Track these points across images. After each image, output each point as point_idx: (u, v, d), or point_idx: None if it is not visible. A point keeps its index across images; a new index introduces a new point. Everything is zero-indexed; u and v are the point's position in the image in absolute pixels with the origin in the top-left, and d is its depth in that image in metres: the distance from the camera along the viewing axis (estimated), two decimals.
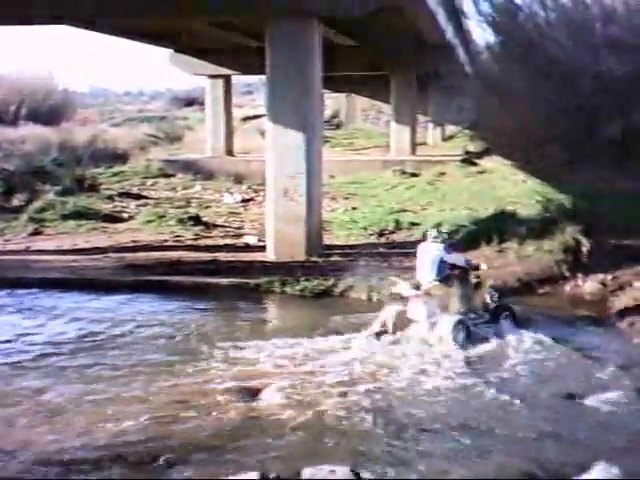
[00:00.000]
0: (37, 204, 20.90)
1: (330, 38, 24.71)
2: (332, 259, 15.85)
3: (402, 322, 11.02)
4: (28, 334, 11.49)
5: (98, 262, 15.89)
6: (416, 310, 11.04)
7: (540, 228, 15.81)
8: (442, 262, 11.07)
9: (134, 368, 9.95)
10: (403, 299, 11.22)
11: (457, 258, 11.32)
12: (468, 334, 10.79)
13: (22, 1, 16.14)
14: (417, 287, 11.07)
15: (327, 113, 49.80)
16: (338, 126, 51.92)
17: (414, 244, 17.07)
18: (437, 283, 11.08)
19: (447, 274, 11.15)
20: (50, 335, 11.45)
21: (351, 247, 17.14)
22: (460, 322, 10.82)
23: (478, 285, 11.64)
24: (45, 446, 7.72)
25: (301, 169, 15.89)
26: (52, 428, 8.13)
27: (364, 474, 6.94)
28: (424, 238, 11.67)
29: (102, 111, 52.03)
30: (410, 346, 10.63)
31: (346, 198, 24.64)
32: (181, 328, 11.79)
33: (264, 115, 18.48)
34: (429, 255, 11.12)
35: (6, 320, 12.35)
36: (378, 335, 10.91)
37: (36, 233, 18.84)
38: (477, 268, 11.48)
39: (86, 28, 21.71)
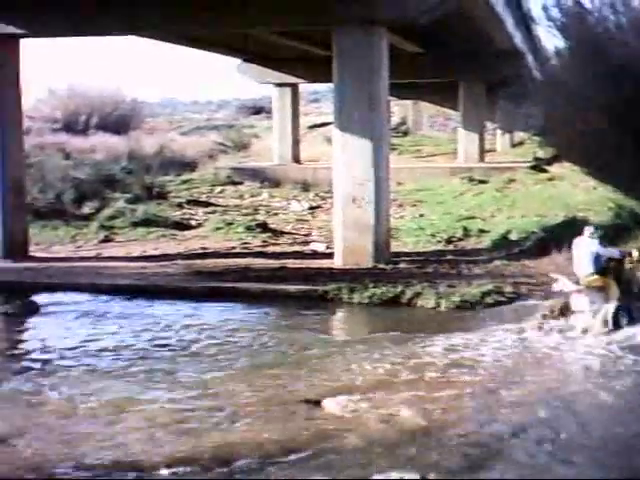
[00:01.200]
0: (107, 212, 21.23)
1: (396, 45, 24.63)
2: (400, 266, 15.77)
3: (566, 313, 11.74)
4: (99, 339, 11.62)
5: (167, 269, 16.05)
6: (579, 302, 11.75)
7: (612, 235, 15.54)
8: (598, 256, 11.66)
9: (223, 374, 9.90)
10: (564, 294, 11.89)
11: (612, 251, 11.97)
12: (631, 318, 11.40)
13: (94, 12, 16.41)
14: (577, 282, 11.77)
15: (394, 120, 49.64)
16: (405, 133, 51.74)
17: (481, 251, 17.14)
18: (596, 276, 11.66)
19: (604, 266, 11.73)
20: (123, 341, 11.54)
21: (419, 254, 17.06)
22: (622, 308, 11.46)
23: (632, 271, 12.06)
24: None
25: (369, 176, 15.88)
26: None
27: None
28: (580, 234, 12.07)
29: (171, 120, 52.62)
30: (579, 335, 11.23)
31: (414, 205, 24.54)
32: (258, 334, 11.79)
33: (331, 123, 18.49)
34: (586, 251, 11.74)
35: (76, 325, 12.56)
36: (540, 327, 11.52)
37: (106, 240, 19.12)
38: (630, 255, 11.97)
39: (155, 39, 21.97)
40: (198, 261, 16.61)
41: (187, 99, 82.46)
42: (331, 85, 16.74)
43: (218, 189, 28.16)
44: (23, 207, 17.64)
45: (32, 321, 12.93)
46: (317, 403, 8.85)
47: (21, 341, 12.19)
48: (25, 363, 10.59)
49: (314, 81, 34.30)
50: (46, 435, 8.05)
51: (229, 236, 19.34)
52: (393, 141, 29.80)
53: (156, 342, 11.41)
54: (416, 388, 9.21)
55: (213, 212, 23.14)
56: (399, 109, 54.49)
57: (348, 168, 15.96)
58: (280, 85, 33.13)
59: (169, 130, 44.90)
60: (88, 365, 10.36)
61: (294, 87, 33.51)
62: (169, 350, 11.06)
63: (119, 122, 41.49)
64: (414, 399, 8.86)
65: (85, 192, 22.57)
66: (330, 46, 16.31)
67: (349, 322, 13.25)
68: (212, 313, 13.21)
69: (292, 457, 7.44)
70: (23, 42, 17.46)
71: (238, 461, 7.35)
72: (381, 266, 15.67)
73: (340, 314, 13.47)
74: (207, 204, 24.64)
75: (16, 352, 11.34)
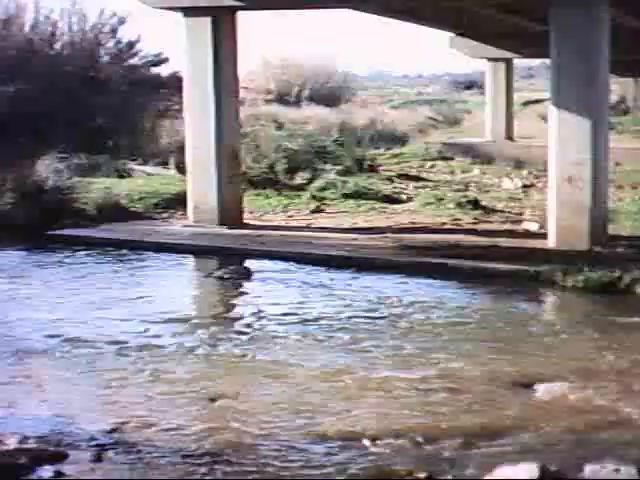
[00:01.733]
0: (318, 183, 21.43)
1: (618, 20, 23.47)
2: (617, 250, 15.04)
3: None
4: (308, 308, 11.71)
5: (376, 242, 16.01)
6: None
7: None
8: None
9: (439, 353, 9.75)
10: None
11: None
12: None
13: None
14: None
15: (613, 98, 47.61)
16: (625, 112, 49.59)
17: None
18: None
19: None
20: (335, 311, 11.58)
21: (638, 238, 16.22)
22: None
23: None
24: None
25: (585, 156, 15.20)
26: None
27: None
28: None
29: (381, 94, 52.72)
30: None
31: (634, 187, 23.40)
32: (469, 312, 11.57)
33: (545, 99, 17.86)
34: None
35: (286, 292, 12.75)
36: None
37: (317, 211, 19.29)
38: None
39: (368, 12, 21.85)
40: (407, 235, 16.46)
41: (397, 73, 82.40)
42: (546, 61, 16.17)
43: (428, 164, 27.92)
44: (238, 176, 18.04)
45: (245, 286, 13.25)
46: (528, 386, 8.59)
47: (234, 305, 12.53)
48: (238, 327, 10.84)
49: (529, 56, 33.37)
50: (261, 400, 8.17)
51: (439, 212, 19.07)
52: (612, 120, 28.53)
53: (366, 314, 11.38)
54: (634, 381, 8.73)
55: (423, 187, 22.93)
56: (619, 87, 52.24)
57: (564, 146, 15.34)
58: (494, 60, 32.41)
59: (380, 103, 44.98)
60: (298, 332, 10.49)
61: (508, 62, 32.71)
62: (379, 323, 11.01)
63: (331, 94, 41.95)
64: (632, 393, 8.40)
65: (297, 163, 22.88)
66: (546, 20, 15.69)
67: (563, 306, 12.78)
68: (422, 288, 13.07)
69: (499, 441, 7.24)
70: (240, 14, 17.77)
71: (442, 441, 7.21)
72: (597, 249, 14.97)
73: (553, 297, 13.00)
74: (417, 178, 24.47)
75: (230, 316, 11.66)
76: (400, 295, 12.44)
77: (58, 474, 6.55)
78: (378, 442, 7.18)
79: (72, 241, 15.92)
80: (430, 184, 23.57)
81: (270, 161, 22.12)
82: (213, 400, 8.18)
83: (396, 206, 19.93)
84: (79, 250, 15.28)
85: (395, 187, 22.60)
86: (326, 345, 9.99)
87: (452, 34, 31.49)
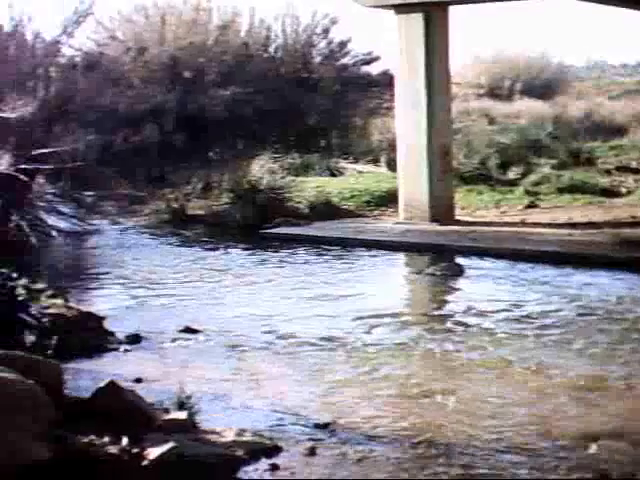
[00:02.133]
0: (532, 177, 20.93)
1: None
2: None
3: None
4: (522, 305, 11.41)
5: (593, 237, 15.41)
6: None
7: None
8: None
9: None
10: None
11: None
12: None
13: None
14: None
15: None
16: None
17: None
18: None
19: None
20: (552, 309, 11.20)
21: None
22: None
23: None
24: None
25: None
26: None
27: None
28: None
29: (598, 84, 50.86)
30: None
31: None
32: None
33: None
34: None
35: (499, 289, 12.46)
36: None
37: (531, 206, 18.82)
38: None
39: (588, 0, 21.06)
40: (627, 230, 15.71)
41: (616, 62, 79.26)
42: None
43: None
44: (450, 172, 17.87)
45: (457, 283, 13.07)
46: None
47: (445, 302, 12.37)
48: (448, 324, 10.69)
49: None
50: (478, 398, 7.99)
51: None
52: None
53: (589, 313, 10.93)
54: None
55: None
56: None
57: None
58: None
59: (596, 94, 43.39)
60: (512, 330, 10.21)
61: None
62: (606, 323, 10.52)
63: (544, 87, 40.87)
64: None
65: (510, 157, 22.41)
66: None
67: None
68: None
69: None
70: (451, 9, 17.60)
71: None
72: None
73: None
74: (638, 171, 23.37)
75: (440, 313, 11.53)
76: (617, 293, 11.88)
77: (273, 467, 6.63)
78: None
79: (285, 239, 16.28)
80: None
81: (482, 156, 21.78)
82: (429, 397, 8.07)
83: (615, 200, 19.16)
84: (293, 248, 15.58)
85: (613, 180, 21.69)
86: (539, 343, 9.67)
87: None
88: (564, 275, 13.16)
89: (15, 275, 8.38)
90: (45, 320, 8.24)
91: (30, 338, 7.97)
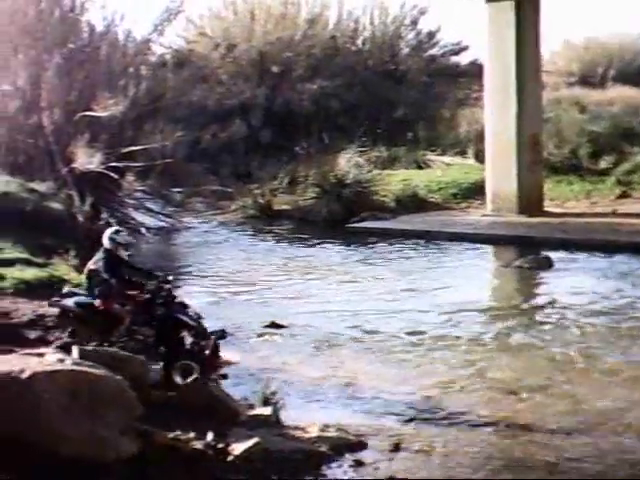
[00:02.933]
0: (624, 166, 20.40)
1: None
2: None
3: None
4: (610, 298, 11.23)
5: None
6: None
7: None
8: None
9: None
10: None
11: None
12: None
13: None
14: None
15: None
16: None
17: None
18: None
19: None
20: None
21: None
22: None
23: None
24: None
25: None
26: None
27: None
28: None
29: None
30: None
31: None
32: None
33: None
34: None
35: (589, 282, 12.23)
36: None
37: (623, 196, 18.40)
38: None
39: None
40: None
41: None
42: None
43: None
44: (539, 162, 17.59)
45: (546, 276, 12.86)
46: None
47: (534, 295, 12.20)
48: (537, 318, 10.54)
49: None
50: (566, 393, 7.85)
51: None
52: None
53: None
54: None
55: None
56: None
57: None
58: None
59: None
60: (598, 324, 10.03)
61: None
62: None
63: (639, 73, 39.79)
64: None
65: (601, 146, 21.88)
66: None
67: None
68: None
69: None
70: None
71: None
72: None
73: None
74: None
75: (528, 306, 11.37)
76: None
77: (358, 463, 6.62)
78: None
79: (372, 233, 16.24)
80: None
81: (572, 146, 21.31)
82: (515, 393, 7.96)
83: None
84: (379, 243, 15.52)
85: None
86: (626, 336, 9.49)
87: None
88: None
89: (170, 277, 8.68)
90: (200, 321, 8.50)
91: (189, 339, 8.25)
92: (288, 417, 7.31)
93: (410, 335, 9.87)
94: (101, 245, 8.46)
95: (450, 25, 30.22)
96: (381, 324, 10.38)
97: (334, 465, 6.62)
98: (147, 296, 8.33)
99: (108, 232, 8.55)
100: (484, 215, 17.00)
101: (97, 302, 8.22)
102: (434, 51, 28.92)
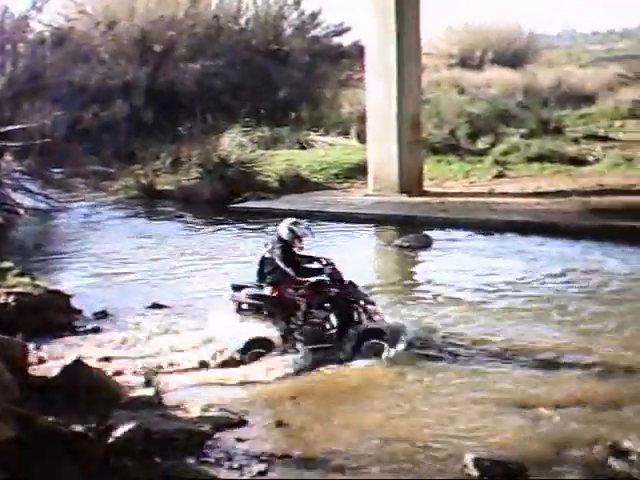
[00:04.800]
0: (501, 147, 20.95)
1: None
2: None
3: None
4: (491, 274, 11.55)
5: (561, 206, 15.55)
6: None
7: None
8: None
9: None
10: None
11: None
12: None
13: None
14: None
15: None
16: None
17: None
18: None
19: None
20: (520, 278, 11.38)
21: None
22: None
23: None
24: None
25: None
26: None
27: None
28: None
29: (569, 52, 50.88)
30: None
31: None
32: None
33: None
34: None
35: (466, 260, 12.56)
36: None
37: (500, 176, 18.88)
38: None
39: None
40: (594, 198, 15.90)
41: (587, 30, 79.37)
42: None
43: (618, 123, 26.70)
44: (419, 143, 17.90)
45: (425, 254, 13.14)
46: None
47: (414, 273, 12.47)
48: (416, 294, 10.79)
49: None
50: None
51: (628, 172, 18.31)
52: None
53: (554, 281, 11.09)
54: None
55: (612, 147, 21.98)
56: None
57: None
58: None
59: (567, 63, 43.41)
60: (478, 299, 10.36)
61: None
62: (569, 291, 10.69)
63: (515, 56, 40.81)
64: None
65: (479, 127, 22.43)
66: None
67: None
68: (609, 252, 12.59)
69: None
70: None
71: None
72: None
73: None
74: (605, 139, 23.47)
75: (408, 283, 11.62)
76: (581, 261, 12.03)
77: (238, 440, 6.70)
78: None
79: (254, 213, 16.26)
80: (619, 144, 22.56)
81: (451, 127, 21.80)
82: None
83: (582, 168, 19.24)
84: (261, 222, 15.48)
85: (581, 149, 21.77)
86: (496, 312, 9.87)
87: None
88: (533, 244, 13.28)
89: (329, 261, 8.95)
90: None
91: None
92: (171, 398, 7.33)
93: None
94: None
95: (333, 6, 30.31)
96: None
97: (215, 442, 6.69)
98: (316, 279, 8.64)
99: (286, 223, 8.82)
100: (366, 195, 17.23)
101: (269, 290, 8.57)
102: (317, 32, 29.06)
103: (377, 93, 17.43)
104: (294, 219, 9.15)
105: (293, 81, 25.92)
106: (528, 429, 6.80)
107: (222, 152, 18.45)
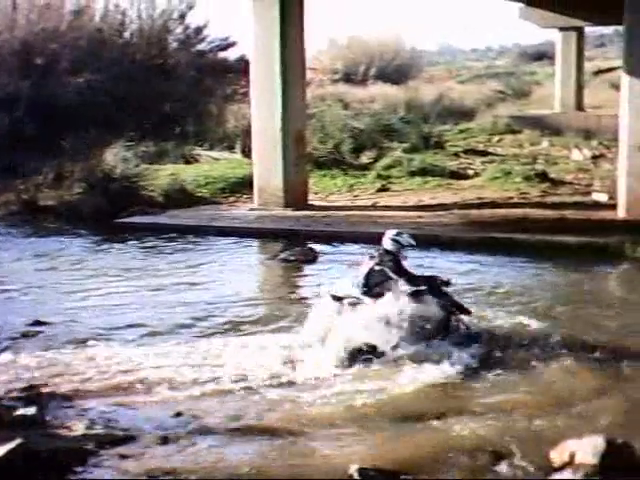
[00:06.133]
0: (384, 161, 21.36)
1: None
2: None
3: None
4: None
5: (443, 218, 15.95)
6: None
7: None
8: None
9: None
10: None
11: None
12: None
13: None
14: None
15: None
16: None
17: None
18: None
19: None
20: None
21: None
22: None
23: None
24: None
25: None
26: None
27: None
28: None
29: (449, 68, 52.16)
30: None
31: None
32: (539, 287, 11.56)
33: (618, 68, 17.49)
34: None
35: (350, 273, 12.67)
36: None
37: (383, 189, 19.24)
38: None
39: None
40: (474, 211, 16.38)
41: (466, 46, 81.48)
42: (619, 28, 15.81)
43: (496, 138, 27.57)
44: (304, 157, 18.08)
45: (310, 268, 13.28)
46: None
47: (298, 287, 12.60)
48: (299, 308, 10.87)
49: (601, 24, 32.65)
50: None
51: (507, 186, 18.92)
52: None
53: None
54: None
55: (491, 161, 22.66)
56: None
57: (636, 114, 15.09)
58: (565, 29, 31.82)
59: (447, 79, 44.53)
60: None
61: (579, 31, 32.09)
62: None
63: (398, 71, 41.61)
64: None
65: (363, 142, 22.82)
66: None
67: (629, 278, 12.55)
68: (485, 264, 13.00)
69: None
70: None
71: None
72: None
73: (620, 269, 12.80)
74: (485, 153, 24.20)
75: (293, 297, 11.74)
76: (458, 270, 12.37)
77: (122, 457, 6.69)
78: None
79: (139, 228, 16.13)
80: (497, 158, 23.28)
81: (336, 141, 22.09)
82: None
83: (463, 182, 19.79)
84: (146, 237, 15.43)
85: (461, 163, 22.39)
86: None
87: (522, 4, 30.99)
88: (413, 257, 13.52)
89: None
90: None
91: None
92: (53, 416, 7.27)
93: (179, 328, 9.99)
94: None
95: (219, 21, 30.44)
96: (143, 318, 10.41)
97: (99, 460, 6.66)
98: (415, 289, 8.72)
99: (389, 234, 8.97)
100: (251, 209, 17.30)
101: (368, 300, 8.69)
102: (202, 46, 29.09)
103: (262, 108, 17.53)
104: (396, 230, 9.32)
105: (178, 95, 25.84)
106: (411, 437, 6.98)
107: (106, 166, 18.25)
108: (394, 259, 8.92)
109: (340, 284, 9.29)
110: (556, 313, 10.39)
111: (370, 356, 8.52)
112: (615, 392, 7.88)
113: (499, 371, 8.36)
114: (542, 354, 8.75)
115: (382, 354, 8.53)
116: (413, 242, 9.18)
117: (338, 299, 8.96)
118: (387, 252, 8.98)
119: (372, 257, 9.06)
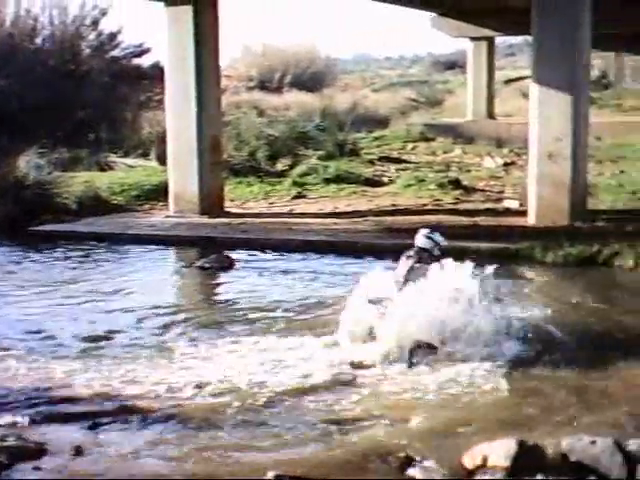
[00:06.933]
0: (300, 168, 21.47)
1: None
2: (597, 225, 15.15)
3: None
4: (274, 294, 11.79)
5: (358, 225, 16.09)
6: None
7: None
8: None
9: None
10: None
11: None
12: None
13: None
14: None
15: (594, 73, 47.73)
16: (606, 87, 49.69)
17: None
18: None
19: None
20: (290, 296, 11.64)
21: (618, 212, 16.35)
22: None
23: None
24: None
25: (566, 131, 15.25)
26: None
27: (631, 446, 6.42)
28: None
29: (364, 77, 52.68)
30: None
31: (613, 162, 23.52)
32: None
33: (527, 77, 17.89)
34: None
35: (265, 280, 12.76)
36: None
37: (299, 196, 19.33)
38: None
39: None
40: (389, 218, 16.55)
41: (380, 55, 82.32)
42: (528, 38, 16.19)
43: (410, 146, 27.98)
44: (219, 164, 18.06)
45: (226, 275, 13.27)
46: None
47: (215, 294, 12.59)
48: (215, 316, 10.83)
49: (511, 34, 33.36)
50: None
51: (421, 193, 19.18)
52: (593, 95, 28.60)
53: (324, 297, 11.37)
54: None
55: (405, 169, 22.98)
56: (600, 62, 52.33)
57: (545, 123, 15.42)
58: (476, 39, 32.46)
59: (362, 87, 44.98)
60: (265, 319, 10.50)
61: (490, 41, 32.77)
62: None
63: (313, 79, 41.90)
64: None
65: (278, 149, 22.91)
66: None
67: (542, 283, 12.85)
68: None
69: None
70: (221, 1, 17.70)
71: None
72: (577, 224, 15.09)
73: (532, 273, 13.10)
74: (399, 161, 24.52)
75: (210, 303, 11.73)
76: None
77: (36, 469, 6.60)
78: None
79: (53, 236, 15.90)
80: (411, 166, 23.63)
81: (251, 148, 22.14)
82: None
83: (377, 189, 19.99)
84: (59, 246, 15.22)
85: (376, 170, 22.64)
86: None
87: (434, 14, 31.49)
88: (328, 264, 13.66)
89: None
90: None
91: None
92: None
93: (93, 340, 9.86)
94: None
95: (133, 27, 30.28)
96: (55, 329, 10.26)
97: (13, 473, 6.55)
98: None
99: (423, 233, 8.94)
100: (167, 217, 17.21)
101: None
102: (116, 52, 28.88)
103: (177, 115, 17.48)
104: (428, 229, 9.20)
105: (92, 102, 25.58)
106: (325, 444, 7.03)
107: (18, 174, 17.94)
108: (432, 256, 8.87)
109: (372, 287, 9.07)
110: None
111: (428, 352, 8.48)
112: None
113: None
114: None
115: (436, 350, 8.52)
116: (445, 241, 9.17)
117: (376, 302, 8.82)
118: (423, 250, 8.94)
119: (409, 257, 8.98)
